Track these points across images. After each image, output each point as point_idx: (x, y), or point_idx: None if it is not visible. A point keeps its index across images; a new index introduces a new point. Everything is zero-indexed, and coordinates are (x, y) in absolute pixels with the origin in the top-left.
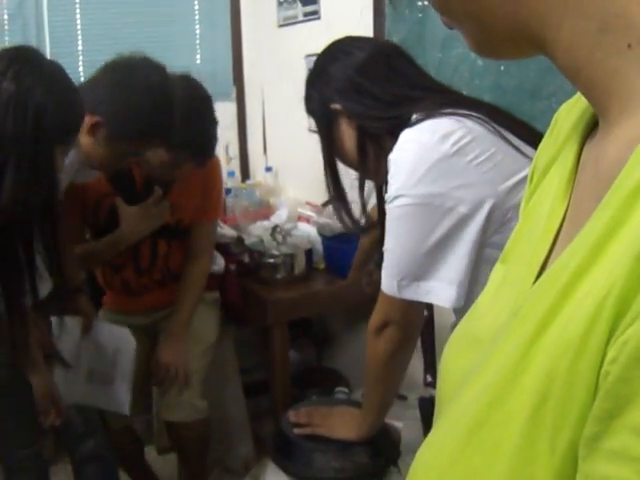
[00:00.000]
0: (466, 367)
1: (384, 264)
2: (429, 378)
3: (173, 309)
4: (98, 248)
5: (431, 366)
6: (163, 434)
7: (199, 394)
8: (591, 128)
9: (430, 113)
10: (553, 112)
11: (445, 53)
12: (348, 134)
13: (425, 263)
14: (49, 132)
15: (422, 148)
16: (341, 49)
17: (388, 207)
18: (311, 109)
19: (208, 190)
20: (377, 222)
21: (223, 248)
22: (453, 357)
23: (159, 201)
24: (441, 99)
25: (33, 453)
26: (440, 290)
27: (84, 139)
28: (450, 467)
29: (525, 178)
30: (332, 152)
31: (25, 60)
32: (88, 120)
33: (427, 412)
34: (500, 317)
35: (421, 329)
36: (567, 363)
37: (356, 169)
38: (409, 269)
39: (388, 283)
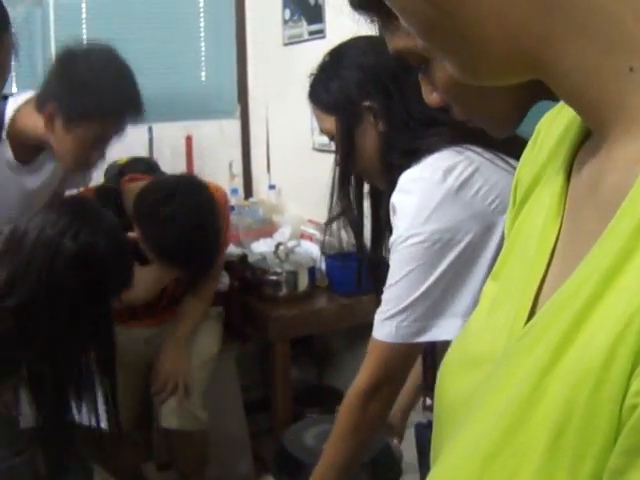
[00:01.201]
0: (464, 389)
1: (386, 311)
2: (428, 401)
3: (176, 321)
4: None
5: (431, 388)
6: (163, 449)
7: (200, 405)
8: (580, 142)
9: (431, 148)
10: None
11: None
12: (371, 138)
13: (438, 300)
14: (109, 287)
15: (427, 187)
16: (371, 45)
17: (397, 249)
18: (326, 102)
19: None
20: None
21: (228, 265)
22: (449, 378)
23: None
24: (454, 128)
25: (25, 460)
26: (452, 325)
27: (50, 138)
28: None
29: None
30: (351, 151)
31: (85, 217)
32: (44, 117)
33: (423, 439)
34: (498, 338)
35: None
36: (587, 393)
37: (370, 177)
38: (421, 310)
39: (398, 332)
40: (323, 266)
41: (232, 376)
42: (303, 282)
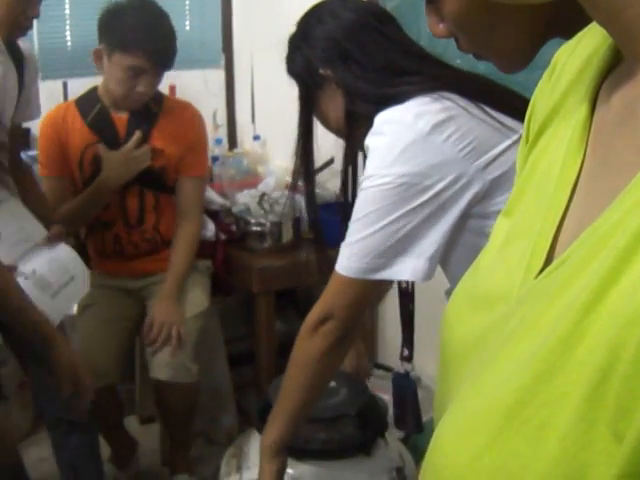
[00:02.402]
0: (475, 329)
1: (347, 244)
2: (405, 352)
3: (166, 273)
4: (84, 199)
5: (408, 340)
6: (146, 403)
7: (191, 357)
8: (606, 71)
9: (404, 95)
10: None
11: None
12: (335, 101)
13: (398, 242)
14: None
15: (398, 128)
16: (328, 10)
17: (363, 187)
18: (294, 72)
19: (193, 143)
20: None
21: (213, 215)
22: (457, 318)
23: (139, 144)
24: (429, 76)
25: None
26: (411, 266)
27: None
28: (487, 448)
29: (505, 150)
30: (311, 120)
31: None
32: None
33: (399, 389)
34: (513, 275)
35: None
36: (637, 336)
37: (342, 136)
38: (380, 249)
39: (351, 265)
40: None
41: (216, 329)
42: (288, 233)
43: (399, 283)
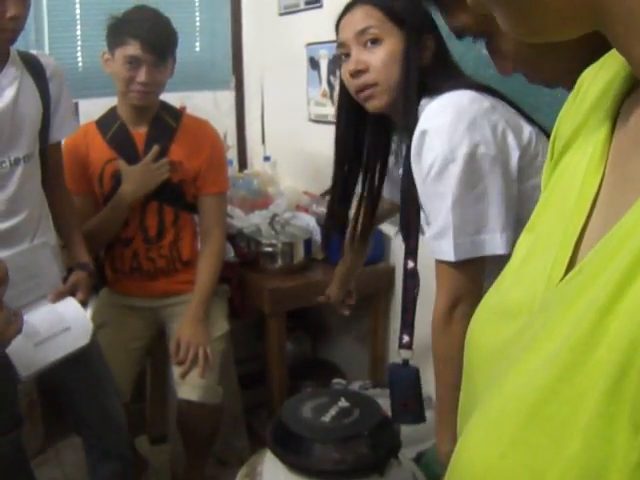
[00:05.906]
0: (501, 339)
1: (436, 236)
2: (405, 337)
3: (184, 295)
4: (105, 215)
5: (408, 326)
6: (156, 423)
7: (217, 379)
8: (625, 94)
9: (452, 88)
10: (560, 104)
11: (450, 42)
12: (428, 49)
13: (477, 216)
14: None
15: (457, 109)
16: None
17: (432, 176)
18: (397, 9)
19: (212, 158)
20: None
21: (230, 239)
22: (482, 329)
23: (158, 158)
24: (465, 80)
25: (9, 441)
26: (493, 239)
27: None
28: (511, 447)
29: (531, 134)
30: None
31: None
32: None
33: (395, 378)
34: (536, 286)
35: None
36: None
37: (401, 87)
38: (465, 228)
39: (451, 250)
40: (319, 238)
41: (227, 350)
42: (299, 254)
43: (405, 263)
